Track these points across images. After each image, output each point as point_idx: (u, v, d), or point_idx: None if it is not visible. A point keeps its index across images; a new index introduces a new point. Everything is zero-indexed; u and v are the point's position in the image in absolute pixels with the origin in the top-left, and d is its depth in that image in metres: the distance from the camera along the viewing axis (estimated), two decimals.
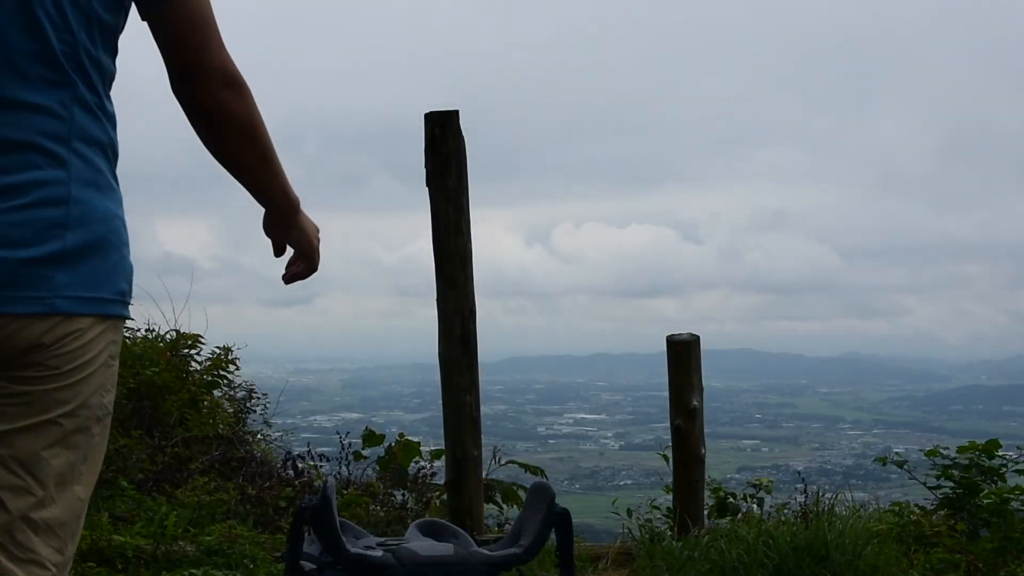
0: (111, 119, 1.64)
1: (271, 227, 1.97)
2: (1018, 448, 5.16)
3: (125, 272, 1.65)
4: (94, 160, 1.59)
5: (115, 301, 1.63)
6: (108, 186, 1.62)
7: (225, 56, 1.70)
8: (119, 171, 1.67)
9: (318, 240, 2.02)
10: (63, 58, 1.55)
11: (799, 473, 5.49)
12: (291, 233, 1.97)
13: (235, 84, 1.71)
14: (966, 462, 4.91)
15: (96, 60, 1.60)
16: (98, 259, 1.59)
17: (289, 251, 2.02)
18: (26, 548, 1.55)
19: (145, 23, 1.69)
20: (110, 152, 1.64)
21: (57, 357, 1.56)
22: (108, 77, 1.64)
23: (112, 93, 1.64)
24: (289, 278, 2.05)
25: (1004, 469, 4.91)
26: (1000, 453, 5.08)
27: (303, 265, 2.03)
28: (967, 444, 5.01)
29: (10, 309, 1.51)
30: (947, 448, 5.05)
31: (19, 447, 1.56)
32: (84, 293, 1.58)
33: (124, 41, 1.66)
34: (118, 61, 1.66)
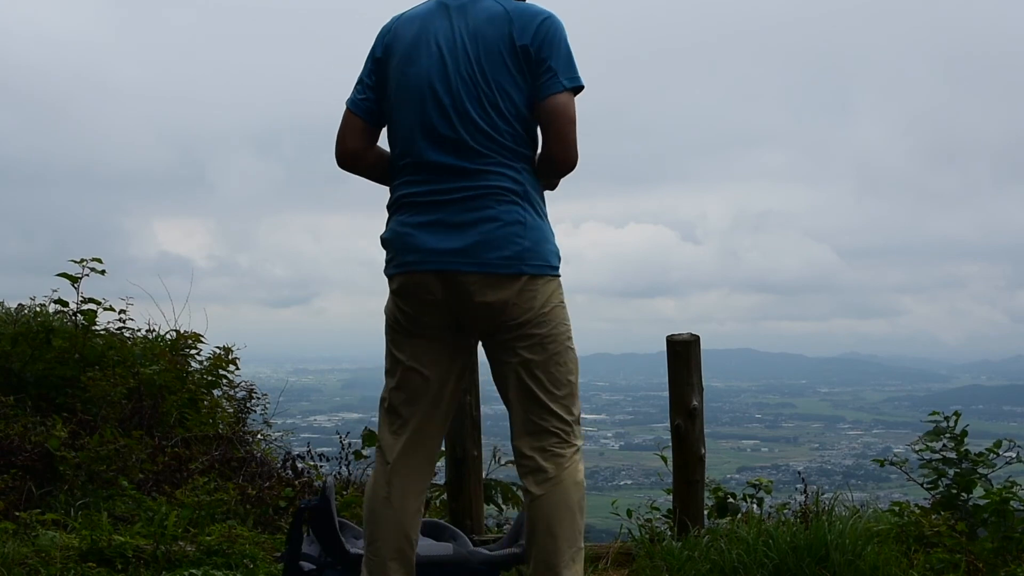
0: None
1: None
2: (1012, 443, 5.15)
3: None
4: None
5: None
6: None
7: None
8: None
9: None
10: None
11: (799, 473, 5.48)
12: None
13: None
14: (952, 448, 4.92)
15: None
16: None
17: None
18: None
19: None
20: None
21: None
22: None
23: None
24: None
25: (993, 456, 4.91)
26: (1002, 453, 5.07)
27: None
28: (952, 413, 5.02)
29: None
30: (936, 441, 5.05)
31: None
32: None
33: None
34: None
